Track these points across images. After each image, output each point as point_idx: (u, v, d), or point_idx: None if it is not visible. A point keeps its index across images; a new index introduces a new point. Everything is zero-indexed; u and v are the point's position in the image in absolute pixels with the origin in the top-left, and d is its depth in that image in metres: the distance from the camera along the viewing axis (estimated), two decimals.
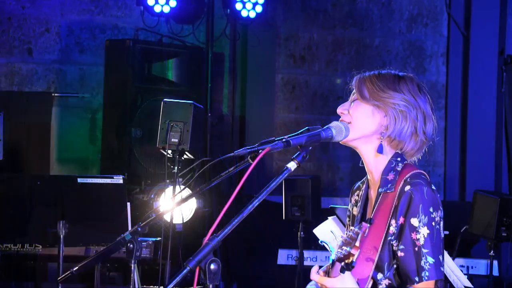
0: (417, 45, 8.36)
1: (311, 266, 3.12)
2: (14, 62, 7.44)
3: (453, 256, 6.00)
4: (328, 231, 3.25)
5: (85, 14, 7.59)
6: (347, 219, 3.34)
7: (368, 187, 3.19)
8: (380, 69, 3.20)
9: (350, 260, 2.80)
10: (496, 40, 7.96)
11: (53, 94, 7.47)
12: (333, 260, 2.88)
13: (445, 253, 4.31)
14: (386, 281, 3.06)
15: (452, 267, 4.30)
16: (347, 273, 2.91)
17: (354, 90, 3.16)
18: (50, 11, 7.49)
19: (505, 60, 7.20)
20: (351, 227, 2.93)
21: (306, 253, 6.46)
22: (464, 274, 4.82)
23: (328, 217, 4.27)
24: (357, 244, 2.77)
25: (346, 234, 2.84)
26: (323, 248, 5.52)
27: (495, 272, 6.13)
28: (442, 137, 8.34)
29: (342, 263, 2.84)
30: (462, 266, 6.16)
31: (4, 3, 7.36)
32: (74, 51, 7.57)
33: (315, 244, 6.43)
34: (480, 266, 6.21)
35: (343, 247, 2.80)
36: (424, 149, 3.16)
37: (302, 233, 6.29)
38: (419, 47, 8.36)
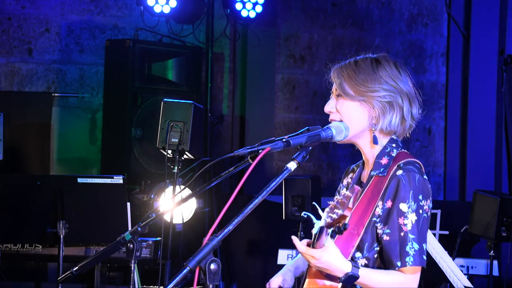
0: (417, 45, 8.36)
1: None
2: (14, 62, 7.44)
3: (453, 256, 5.99)
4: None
5: (85, 14, 7.60)
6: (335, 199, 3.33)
7: (363, 169, 3.20)
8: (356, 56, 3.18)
9: (342, 223, 2.78)
10: (496, 40, 7.95)
11: (53, 94, 7.47)
12: (321, 228, 2.85)
13: (445, 252, 4.31)
14: (363, 261, 3.05)
15: (452, 267, 4.30)
16: (330, 242, 2.90)
17: (334, 84, 3.16)
18: (50, 11, 7.49)
19: (505, 60, 7.19)
20: (337, 197, 2.88)
21: None
22: (464, 274, 4.82)
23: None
24: (350, 205, 2.74)
25: (336, 199, 2.81)
26: None
27: (495, 272, 6.12)
28: (442, 137, 8.34)
29: (334, 227, 2.80)
30: (462, 266, 6.15)
31: (4, 3, 7.36)
32: (74, 51, 7.58)
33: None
34: (480, 266, 6.20)
35: (335, 210, 2.77)
36: (413, 129, 3.16)
37: (302, 233, 6.29)
38: (419, 47, 8.35)
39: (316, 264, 2.94)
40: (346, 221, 2.77)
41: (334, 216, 2.78)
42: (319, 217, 3.01)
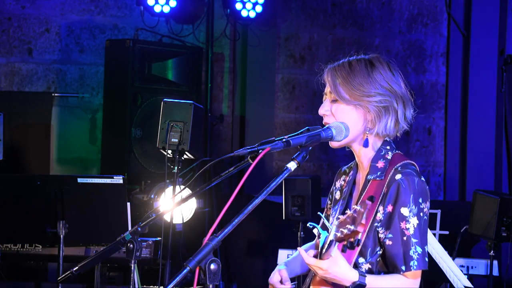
0: (417, 45, 8.35)
1: None
2: (14, 62, 7.44)
3: (453, 256, 6.00)
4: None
5: (85, 14, 7.60)
6: (328, 201, 3.32)
7: (356, 171, 3.18)
8: (349, 57, 3.14)
9: (354, 238, 2.75)
10: (496, 40, 7.95)
11: (53, 94, 7.47)
12: (330, 241, 2.83)
13: (445, 252, 4.31)
14: (367, 266, 3.05)
15: (452, 267, 4.30)
16: (337, 253, 2.88)
17: (328, 85, 3.16)
18: (50, 11, 7.49)
19: (505, 60, 7.18)
20: (348, 212, 2.85)
21: None
22: (464, 274, 4.82)
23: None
24: (363, 221, 2.70)
25: (346, 214, 2.78)
26: None
27: (495, 272, 6.12)
28: (442, 137, 8.33)
29: (345, 242, 2.78)
30: (462, 266, 6.16)
31: (4, 3, 7.36)
32: (74, 51, 7.58)
33: None
34: (480, 266, 6.21)
35: (347, 226, 2.74)
36: (405, 130, 3.16)
37: (302, 233, 6.29)
38: (419, 47, 8.35)
39: (323, 275, 2.93)
40: (359, 236, 2.75)
41: (346, 231, 2.75)
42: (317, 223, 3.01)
